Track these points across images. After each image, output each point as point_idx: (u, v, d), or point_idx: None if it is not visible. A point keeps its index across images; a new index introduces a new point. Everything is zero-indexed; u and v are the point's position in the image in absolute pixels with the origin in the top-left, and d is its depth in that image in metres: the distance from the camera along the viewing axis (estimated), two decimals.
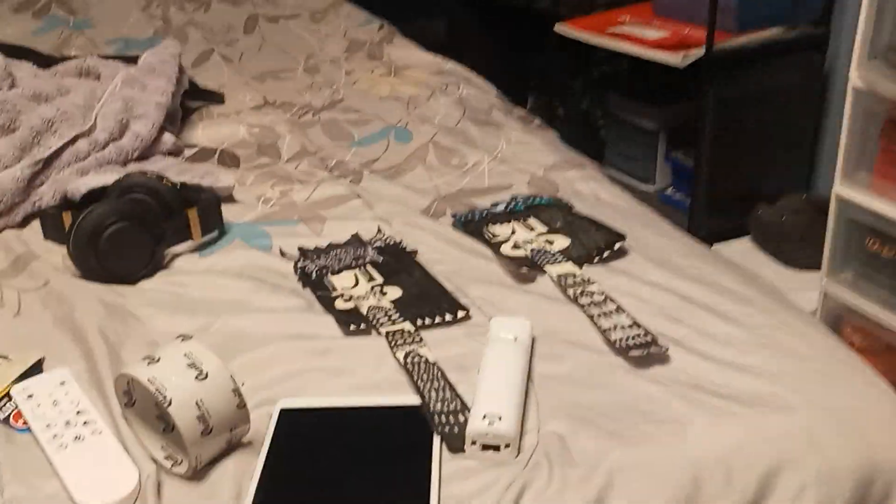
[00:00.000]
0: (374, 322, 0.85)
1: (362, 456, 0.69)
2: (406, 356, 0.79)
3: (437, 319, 0.85)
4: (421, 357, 0.79)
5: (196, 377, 0.67)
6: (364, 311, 0.87)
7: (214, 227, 1.03)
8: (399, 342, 0.82)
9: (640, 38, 1.72)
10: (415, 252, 0.99)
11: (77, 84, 1.25)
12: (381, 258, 0.97)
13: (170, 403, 0.65)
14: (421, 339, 0.82)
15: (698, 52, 1.62)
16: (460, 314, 0.86)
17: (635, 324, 0.82)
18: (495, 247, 0.98)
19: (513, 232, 1.01)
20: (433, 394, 0.74)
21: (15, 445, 0.73)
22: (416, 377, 0.76)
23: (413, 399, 0.74)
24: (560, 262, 0.93)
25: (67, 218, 0.99)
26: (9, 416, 0.75)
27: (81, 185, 1.04)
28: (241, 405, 0.69)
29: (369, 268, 0.95)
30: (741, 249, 1.71)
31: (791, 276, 1.64)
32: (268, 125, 1.35)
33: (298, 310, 0.90)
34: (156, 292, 0.94)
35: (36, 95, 1.19)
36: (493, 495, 0.65)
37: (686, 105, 1.79)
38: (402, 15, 1.91)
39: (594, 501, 0.66)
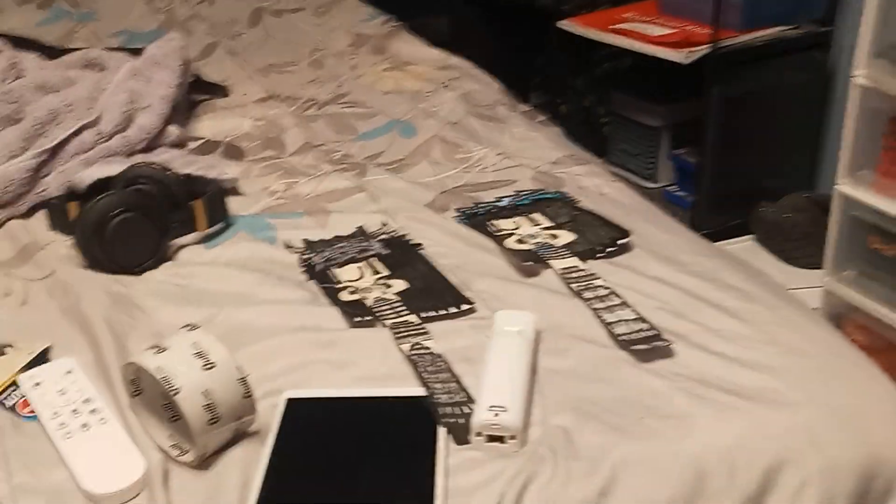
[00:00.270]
0: (380, 314, 0.85)
1: (368, 446, 0.69)
2: (411, 348, 0.80)
3: (442, 312, 0.86)
4: (426, 349, 0.80)
5: (203, 367, 0.67)
6: (369, 303, 0.87)
7: (220, 218, 1.03)
8: (404, 334, 0.82)
9: (644, 34, 1.72)
10: (419, 245, 0.99)
11: (82, 75, 1.26)
12: (386, 251, 0.97)
13: (177, 392, 0.65)
14: (426, 332, 0.82)
15: (703, 50, 1.62)
16: (465, 307, 0.86)
17: (640, 318, 0.82)
18: (499, 240, 0.98)
19: (517, 226, 1.01)
20: (438, 386, 0.75)
21: (22, 433, 0.73)
22: (421, 369, 0.77)
23: (418, 391, 0.75)
24: (565, 256, 0.94)
25: (73, 208, 0.99)
26: (16, 404, 0.76)
27: (87, 175, 1.04)
28: (248, 395, 0.69)
29: (374, 260, 0.96)
30: (744, 247, 1.71)
31: (793, 274, 1.64)
32: (272, 118, 1.35)
33: (303, 302, 0.90)
34: (161, 283, 0.95)
35: (41, 86, 1.19)
36: (497, 487, 0.65)
37: (690, 103, 1.79)
38: (405, 11, 1.90)
39: (598, 495, 0.66)
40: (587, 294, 0.87)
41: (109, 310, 0.89)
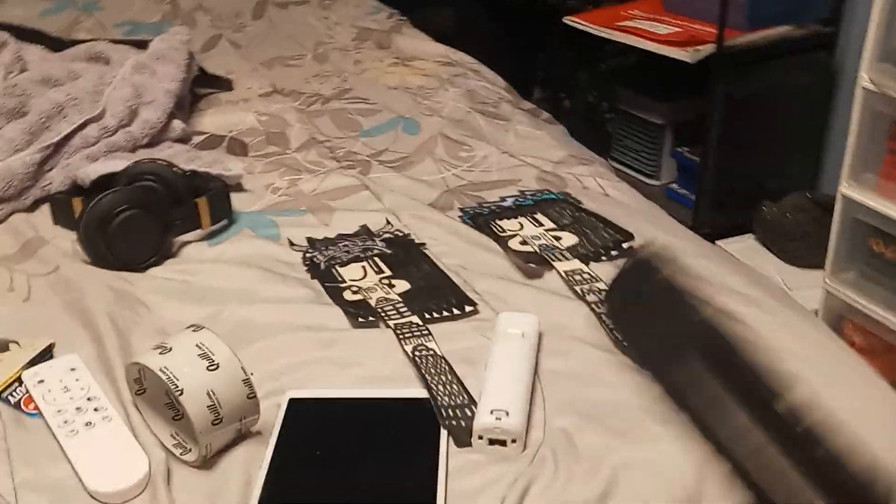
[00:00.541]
0: (383, 314, 0.86)
1: (370, 447, 0.70)
2: (414, 349, 0.80)
3: (445, 313, 0.86)
4: (429, 350, 0.80)
5: (208, 367, 0.68)
6: (372, 303, 0.88)
7: (223, 215, 1.04)
8: (407, 335, 0.82)
9: (649, 32, 1.72)
10: (423, 245, 0.99)
11: (87, 69, 1.25)
12: (390, 250, 0.97)
13: (182, 393, 0.66)
14: (429, 333, 0.83)
15: (708, 49, 1.62)
16: (468, 308, 0.87)
17: None
18: (503, 241, 0.99)
19: (521, 227, 1.01)
20: (441, 387, 0.75)
21: (26, 430, 0.73)
22: (423, 370, 0.77)
23: (420, 392, 0.75)
24: (568, 259, 0.94)
25: (77, 204, 1.00)
26: (20, 400, 0.76)
27: (91, 171, 1.04)
28: (252, 395, 0.70)
29: (377, 260, 0.96)
30: (745, 246, 1.71)
31: (794, 274, 1.64)
32: (276, 113, 1.35)
33: (307, 300, 0.90)
34: (164, 280, 0.95)
35: (46, 80, 1.19)
36: (499, 490, 0.66)
37: (693, 101, 1.79)
38: (409, 4, 1.90)
39: (599, 498, 0.66)
40: (590, 297, 0.87)
41: (113, 306, 0.89)
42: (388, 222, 1.04)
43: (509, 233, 1.00)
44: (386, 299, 0.88)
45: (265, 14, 1.84)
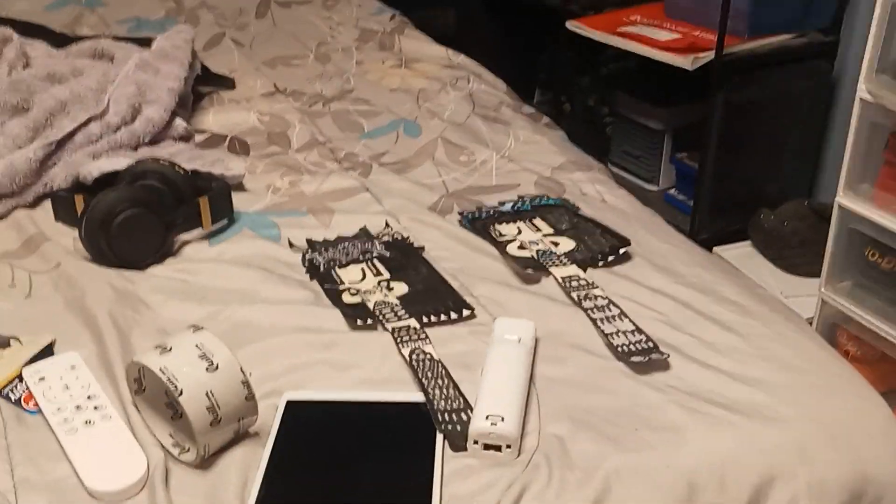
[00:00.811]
0: (381, 317, 0.86)
1: (366, 450, 0.71)
2: (411, 353, 0.81)
3: (443, 317, 0.87)
4: (426, 354, 0.81)
5: (207, 368, 0.68)
6: (371, 306, 0.88)
7: (224, 215, 1.04)
8: (405, 338, 0.83)
9: (650, 38, 1.73)
10: (422, 248, 1.00)
11: (91, 66, 1.26)
12: (389, 253, 0.98)
13: (181, 393, 0.67)
14: (426, 337, 0.83)
15: (708, 56, 1.62)
16: (465, 313, 0.87)
17: (637, 330, 0.83)
18: (501, 246, 0.99)
19: (519, 231, 1.02)
20: (437, 391, 0.76)
21: (26, 427, 0.74)
22: (420, 374, 0.78)
23: (417, 396, 0.76)
24: (565, 264, 0.95)
25: (79, 201, 1.00)
26: (20, 398, 0.77)
27: (94, 168, 1.05)
28: (250, 397, 0.70)
29: (376, 262, 0.97)
30: (742, 253, 1.72)
31: (790, 281, 1.65)
32: (278, 113, 1.36)
33: (306, 302, 0.91)
34: (165, 279, 0.95)
35: (50, 76, 1.20)
36: (493, 495, 0.67)
37: (693, 106, 1.80)
38: (410, 5, 1.91)
39: None
40: (586, 303, 0.88)
41: (114, 304, 0.90)
42: (388, 225, 1.05)
43: (507, 237, 1.01)
44: (384, 302, 0.89)
45: (268, 13, 1.85)
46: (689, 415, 0.75)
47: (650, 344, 0.81)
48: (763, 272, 1.67)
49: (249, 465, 0.70)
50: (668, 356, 0.81)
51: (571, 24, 1.87)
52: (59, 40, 1.42)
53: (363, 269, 0.95)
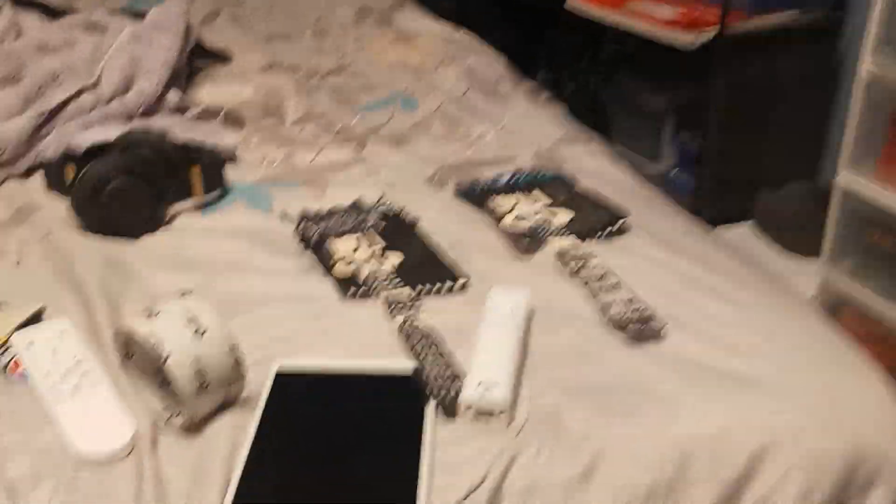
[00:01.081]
0: (374, 287, 0.85)
1: (356, 420, 0.70)
2: (404, 322, 0.80)
3: (437, 286, 0.86)
4: (418, 323, 0.80)
5: (194, 333, 0.67)
6: (363, 275, 0.87)
7: (217, 186, 1.03)
8: (397, 308, 0.82)
9: (652, 16, 1.71)
10: (416, 220, 0.99)
11: (83, 37, 1.25)
12: (383, 224, 0.97)
13: (166, 359, 0.66)
14: (419, 306, 0.82)
15: (710, 33, 1.60)
16: (460, 283, 0.86)
17: (634, 300, 0.82)
18: (497, 218, 0.98)
19: (516, 203, 1.01)
20: (429, 360, 0.75)
21: (13, 393, 0.73)
22: (412, 343, 0.77)
23: (409, 365, 0.75)
24: (562, 235, 0.94)
25: (70, 171, 0.99)
26: (7, 363, 0.76)
27: (85, 138, 1.04)
28: (239, 362, 0.69)
29: (371, 233, 0.95)
30: (743, 234, 1.71)
31: (791, 262, 1.64)
32: (274, 87, 1.34)
33: (298, 272, 0.90)
34: (156, 248, 0.95)
35: (41, 47, 1.18)
36: (484, 462, 0.66)
37: (695, 85, 1.78)
38: None
39: (582, 474, 0.66)
40: (582, 273, 0.87)
41: (103, 273, 0.89)
42: (383, 197, 1.04)
43: (504, 209, 1.00)
44: (378, 272, 0.88)
45: None
46: (683, 386, 0.74)
47: (647, 313, 0.80)
48: (764, 252, 1.66)
49: (238, 432, 0.69)
50: (665, 326, 0.80)
51: (571, 4, 1.84)
52: (53, 13, 1.41)
53: (357, 239, 0.94)
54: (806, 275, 1.53)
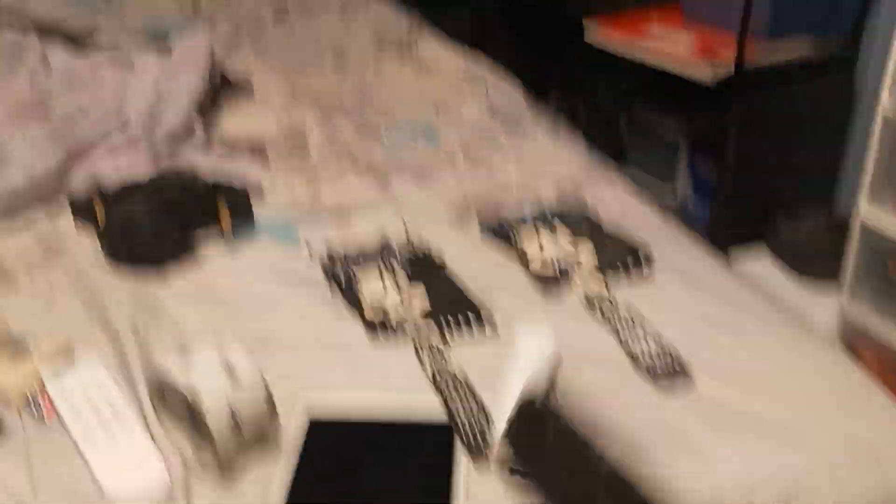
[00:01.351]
0: (402, 331, 0.86)
1: (387, 472, 0.70)
2: (433, 367, 0.80)
3: (465, 331, 0.86)
4: (447, 369, 0.80)
5: (231, 384, 0.68)
6: (392, 320, 0.88)
7: (244, 222, 1.04)
8: (426, 353, 0.82)
9: (669, 52, 1.71)
10: (443, 262, 0.99)
11: (111, 73, 1.26)
12: (410, 266, 0.97)
13: (204, 409, 0.66)
14: (449, 349, 0.83)
15: (728, 69, 1.61)
16: (487, 327, 0.87)
17: (661, 348, 0.83)
18: (524, 259, 0.99)
19: (541, 244, 1.01)
20: (460, 407, 0.75)
21: (46, 434, 0.74)
22: (442, 389, 0.77)
23: (439, 412, 0.75)
24: (587, 278, 0.94)
25: (100, 210, 1.00)
26: (41, 405, 0.77)
27: (115, 177, 1.05)
28: (273, 411, 0.70)
29: (398, 275, 0.96)
30: (760, 264, 1.71)
31: (808, 291, 1.64)
32: (297, 120, 1.35)
33: (326, 314, 0.90)
34: (185, 287, 0.95)
35: (70, 83, 1.20)
36: None
37: (710, 115, 1.78)
38: (428, 8, 1.90)
39: None
40: (610, 319, 0.87)
41: (134, 311, 0.90)
42: (409, 236, 1.04)
43: (530, 249, 1.00)
44: (405, 317, 0.88)
45: (286, 19, 1.84)
46: (713, 434, 0.74)
47: (677, 367, 0.81)
48: (781, 283, 1.66)
49: (270, 480, 0.69)
50: (692, 377, 0.80)
51: (590, 36, 1.85)
52: (76, 42, 1.42)
53: (384, 283, 0.95)
54: (823, 305, 1.53)
